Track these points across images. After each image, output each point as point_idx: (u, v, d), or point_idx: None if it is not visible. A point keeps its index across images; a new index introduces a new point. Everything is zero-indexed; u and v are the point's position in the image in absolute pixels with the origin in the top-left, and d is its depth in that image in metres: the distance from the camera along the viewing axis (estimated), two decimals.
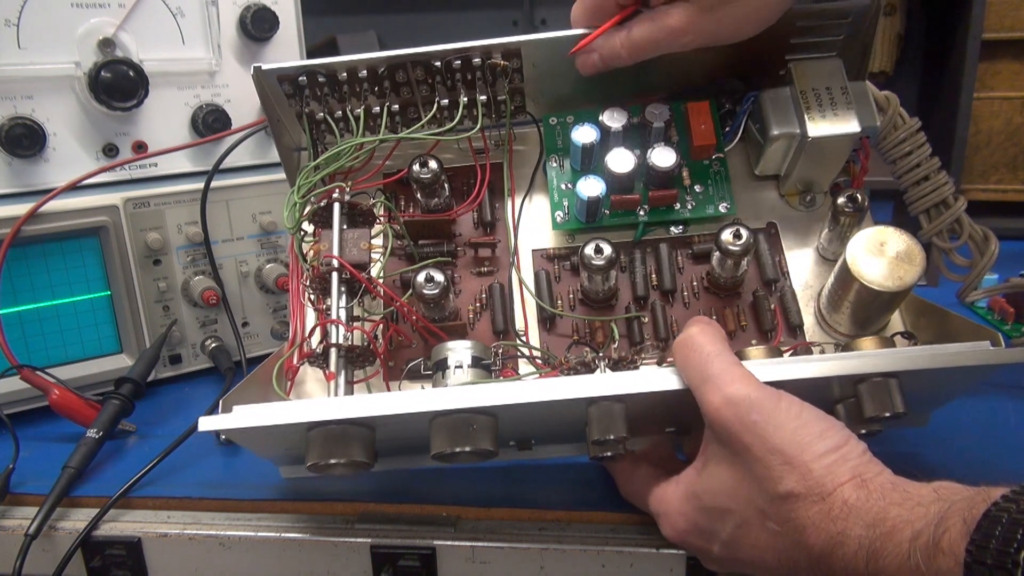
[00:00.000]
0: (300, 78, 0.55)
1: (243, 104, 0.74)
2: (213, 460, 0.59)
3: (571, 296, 0.56)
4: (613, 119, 0.56)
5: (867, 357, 0.44)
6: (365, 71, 0.55)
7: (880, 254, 0.49)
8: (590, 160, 0.56)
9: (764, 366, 0.43)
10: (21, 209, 0.61)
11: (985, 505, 0.33)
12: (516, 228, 0.58)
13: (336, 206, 0.53)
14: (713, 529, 0.42)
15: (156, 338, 0.67)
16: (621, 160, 0.54)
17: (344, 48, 1.16)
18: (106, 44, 0.66)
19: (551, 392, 0.43)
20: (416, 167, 0.54)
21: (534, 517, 0.51)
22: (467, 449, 0.43)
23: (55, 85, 0.66)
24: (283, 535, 0.50)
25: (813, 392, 0.44)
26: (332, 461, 0.43)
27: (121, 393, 0.61)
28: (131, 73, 0.66)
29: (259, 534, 0.50)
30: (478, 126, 0.56)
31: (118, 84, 0.66)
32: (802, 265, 0.57)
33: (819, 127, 0.53)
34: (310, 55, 0.77)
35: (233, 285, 0.73)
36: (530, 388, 0.43)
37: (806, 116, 0.53)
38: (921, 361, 0.44)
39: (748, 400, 0.40)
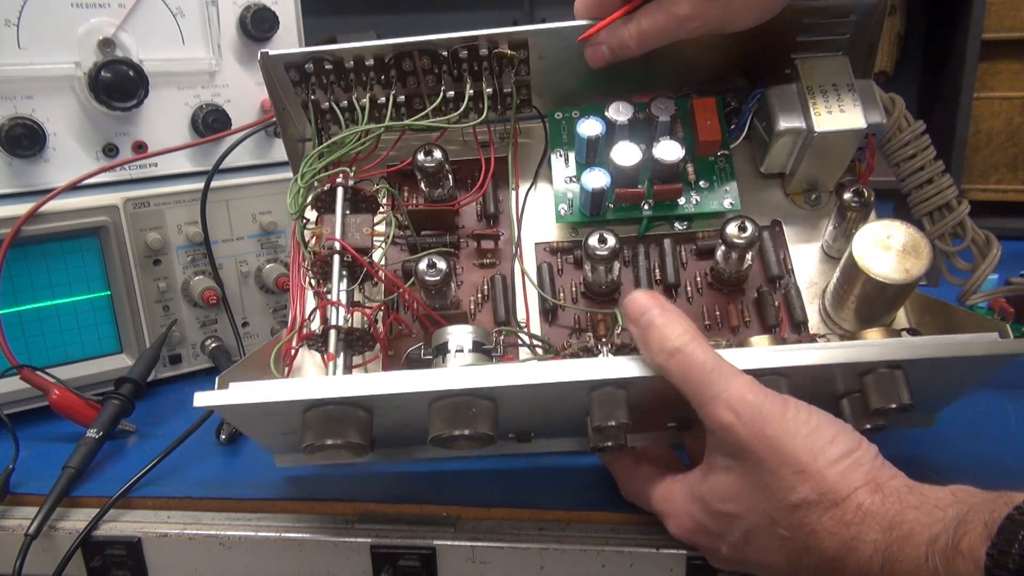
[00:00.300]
0: (307, 65, 0.55)
1: (243, 104, 0.74)
2: (213, 460, 0.59)
3: (573, 289, 0.56)
4: (619, 113, 0.56)
5: (873, 346, 0.44)
6: (372, 59, 0.55)
7: (886, 248, 0.48)
8: (595, 154, 0.56)
9: (769, 353, 0.43)
10: (21, 209, 0.61)
11: (1007, 508, 0.32)
12: (520, 220, 0.58)
13: (340, 190, 0.53)
14: (721, 531, 0.42)
15: (156, 338, 0.67)
16: (626, 153, 0.54)
17: None
18: (106, 44, 0.66)
19: (554, 374, 0.43)
20: (421, 155, 0.54)
21: (534, 517, 0.51)
22: (466, 433, 0.43)
23: (55, 85, 0.66)
24: (283, 535, 0.50)
25: (818, 385, 0.43)
26: (328, 442, 0.43)
27: (121, 393, 0.61)
28: (131, 73, 0.66)
29: (259, 534, 0.50)
30: (484, 115, 0.56)
31: (118, 84, 0.66)
32: (807, 263, 0.57)
33: (825, 122, 0.53)
34: None
35: (233, 285, 0.73)
36: (532, 370, 0.43)
37: (812, 111, 0.53)
38: (928, 350, 0.43)
39: (760, 412, 0.39)
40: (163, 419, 0.65)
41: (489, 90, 0.56)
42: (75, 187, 0.65)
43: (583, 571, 0.48)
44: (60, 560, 0.50)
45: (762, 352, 0.43)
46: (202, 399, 0.43)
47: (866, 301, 0.50)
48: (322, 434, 0.43)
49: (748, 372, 0.43)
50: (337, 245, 0.50)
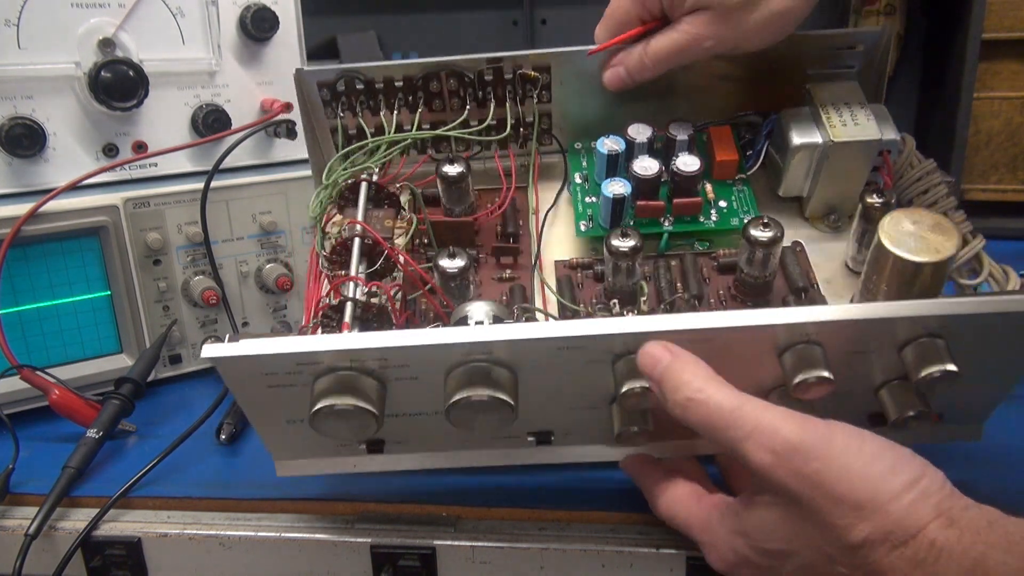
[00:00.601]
0: (338, 84, 0.56)
1: (243, 104, 0.74)
2: (213, 460, 0.59)
3: (593, 301, 0.55)
4: (638, 132, 0.57)
5: (911, 304, 0.41)
6: (401, 80, 0.57)
7: (914, 232, 0.47)
8: (615, 172, 0.57)
9: (799, 311, 0.41)
10: (21, 209, 0.61)
11: None
12: (540, 235, 0.58)
13: (363, 184, 0.54)
14: (770, 566, 0.39)
15: (156, 338, 0.67)
16: (647, 165, 0.55)
17: (344, 48, 1.16)
18: (106, 44, 0.66)
19: (576, 329, 0.41)
20: (446, 166, 0.55)
21: (534, 517, 0.51)
22: (484, 396, 0.41)
23: (55, 85, 0.66)
24: (283, 535, 0.50)
25: (854, 366, 0.42)
26: (337, 405, 0.41)
27: (121, 393, 0.61)
28: (131, 73, 0.66)
29: (259, 534, 0.51)
30: (506, 132, 0.57)
31: (118, 84, 0.66)
32: (831, 279, 0.56)
33: (841, 133, 0.54)
34: (310, 55, 0.77)
35: (233, 285, 0.73)
36: (553, 326, 0.42)
37: (827, 124, 0.54)
38: (972, 306, 0.41)
39: (803, 448, 0.35)
40: (163, 419, 0.65)
41: (512, 121, 0.57)
42: (75, 187, 0.65)
43: (583, 571, 0.48)
44: (60, 560, 0.50)
45: (791, 310, 0.41)
46: (211, 350, 0.41)
47: (897, 291, 0.49)
48: (330, 397, 0.42)
49: (780, 327, 0.40)
50: (359, 228, 0.51)
